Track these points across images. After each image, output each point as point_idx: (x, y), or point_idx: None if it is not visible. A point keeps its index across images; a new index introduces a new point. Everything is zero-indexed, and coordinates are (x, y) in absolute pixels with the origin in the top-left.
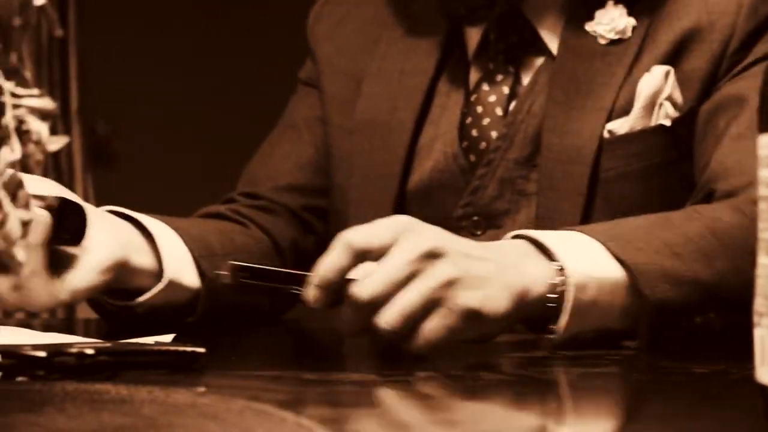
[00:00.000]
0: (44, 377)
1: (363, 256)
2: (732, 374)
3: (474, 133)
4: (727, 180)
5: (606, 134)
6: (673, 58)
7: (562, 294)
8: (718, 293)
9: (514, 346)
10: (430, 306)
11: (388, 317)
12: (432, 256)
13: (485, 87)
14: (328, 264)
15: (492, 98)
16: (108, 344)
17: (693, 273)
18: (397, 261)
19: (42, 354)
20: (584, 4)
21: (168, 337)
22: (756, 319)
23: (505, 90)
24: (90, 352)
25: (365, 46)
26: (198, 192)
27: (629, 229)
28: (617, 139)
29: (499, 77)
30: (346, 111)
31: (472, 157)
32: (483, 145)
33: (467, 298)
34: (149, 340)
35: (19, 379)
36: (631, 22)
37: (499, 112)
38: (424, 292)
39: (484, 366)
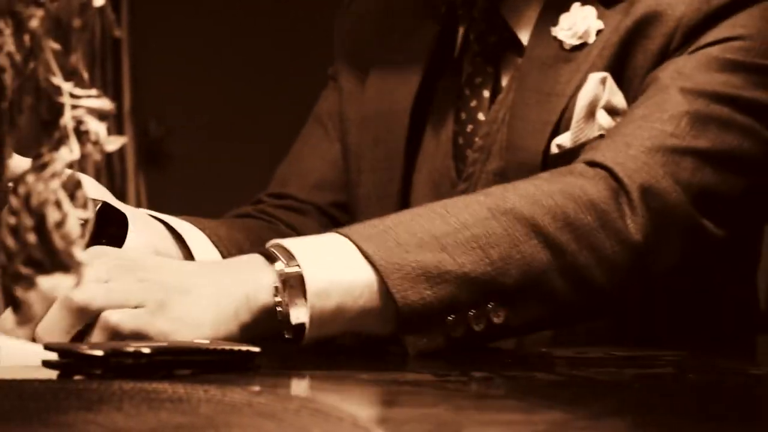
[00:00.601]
0: (101, 376)
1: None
2: None
3: (460, 141)
4: (586, 153)
5: (554, 149)
6: (622, 58)
7: (297, 295)
8: (493, 285)
9: (568, 347)
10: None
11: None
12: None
13: (466, 91)
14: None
15: (473, 103)
16: (164, 344)
17: (459, 267)
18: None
19: (99, 353)
20: (554, 8)
21: None
22: None
23: (486, 94)
24: (146, 351)
25: (375, 43)
26: (249, 193)
27: (396, 223)
28: (564, 154)
29: (478, 80)
30: (357, 105)
31: (461, 166)
32: (467, 152)
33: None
34: (204, 339)
35: (77, 378)
36: (598, 24)
37: (481, 117)
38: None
39: (539, 367)
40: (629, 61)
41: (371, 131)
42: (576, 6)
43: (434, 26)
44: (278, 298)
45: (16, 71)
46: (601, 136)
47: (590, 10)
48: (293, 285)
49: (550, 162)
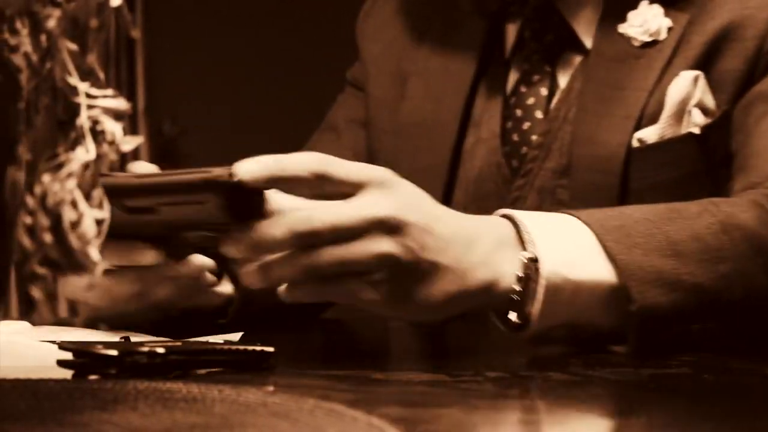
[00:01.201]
0: (116, 376)
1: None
2: None
3: (515, 137)
4: (746, 177)
5: (635, 143)
6: (707, 60)
7: (531, 286)
8: (718, 299)
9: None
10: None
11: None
12: (387, 228)
13: (522, 89)
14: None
15: (531, 101)
16: (178, 344)
17: (692, 277)
18: (347, 216)
19: (114, 353)
20: (619, 5)
21: (236, 336)
22: None
23: (543, 92)
24: (161, 351)
25: (410, 45)
26: None
27: (633, 221)
28: (647, 149)
29: (536, 78)
30: (391, 113)
31: (515, 163)
32: (524, 149)
33: (395, 292)
34: (218, 339)
35: (91, 377)
36: (667, 22)
37: (539, 115)
38: (355, 265)
39: (554, 366)
40: (717, 63)
41: (412, 140)
42: (644, 4)
43: (478, 24)
44: (517, 288)
45: (32, 71)
46: (690, 134)
47: (657, 9)
48: (529, 271)
49: (633, 156)
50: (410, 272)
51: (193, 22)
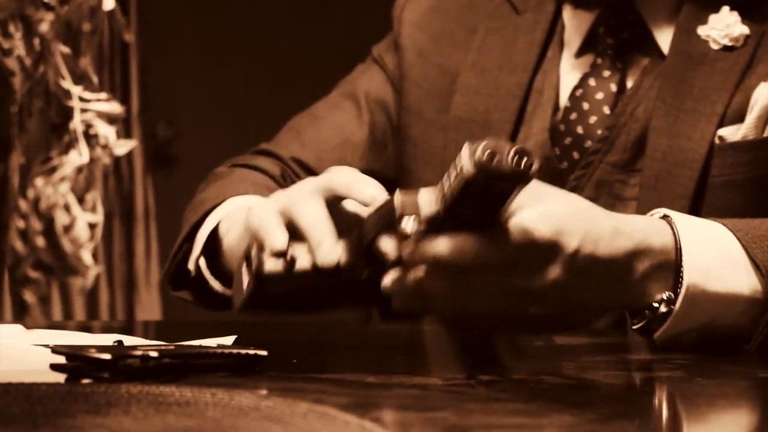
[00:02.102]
0: (109, 379)
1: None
2: None
3: (579, 130)
4: None
5: (716, 140)
6: None
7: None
8: None
9: (576, 350)
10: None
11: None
12: (553, 251)
13: (592, 83)
14: None
15: (599, 95)
16: (171, 347)
17: None
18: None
19: (107, 356)
20: (699, 7)
21: (229, 339)
22: None
23: (613, 87)
24: (154, 354)
25: (461, 37)
26: None
27: None
28: (728, 146)
29: (607, 73)
30: (441, 105)
31: (576, 155)
32: (588, 143)
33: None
34: (211, 342)
35: (84, 381)
36: (745, 30)
37: (606, 110)
38: (504, 299)
39: (546, 370)
40: None
41: (463, 136)
42: (725, 9)
43: (537, 28)
44: (663, 300)
45: (25, 75)
46: None
47: (735, 15)
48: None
49: (716, 152)
50: (573, 290)
51: (188, 25)
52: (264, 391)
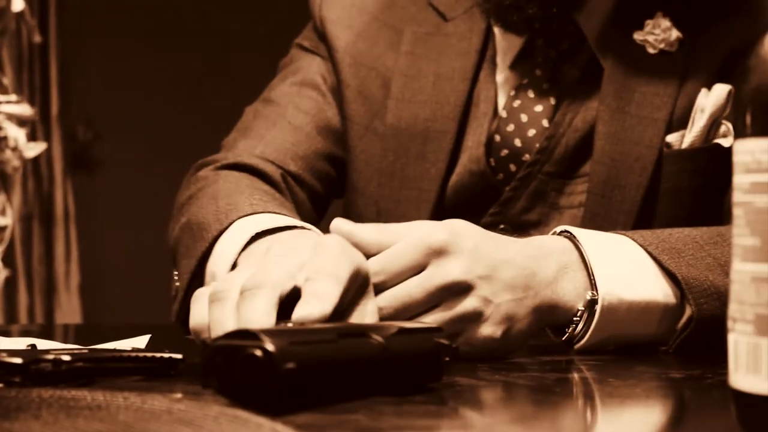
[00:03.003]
0: (20, 384)
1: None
2: (707, 379)
3: (517, 143)
4: None
5: (664, 147)
6: (724, 76)
7: (590, 305)
8: None
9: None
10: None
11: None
12: (458, 289)
13: (530, 94)
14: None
15: (538, 108)
16: (84, 351)
17: None
18: (416, 289)
19: (18, 360)
20: (633, 14)
21: (143, 339)
22: (730, 324)
23: (552, 100)
24: (66, 358)
25: (388, 38)
26: None
27: (682, 243)
28: (675, 153)
29: (545, 86)
30: (375, 110)
31: (513, 167)
32: (526, 156)
33: (487, 333)
34: (126, 345)
35: None
36: (677, 35)
37: (545, 123)
38: (437, 322)
39: (462, 372)
40: (735, 80)
41: (402, 146)
42: (659, 15)
43: (471, 35)
44: (581, 308)
45: None
46: (718, 146)
47: (668, 20)
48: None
49: (664, 158)
50: (490, 325)
51: (109, 27)
52: (178, 395)
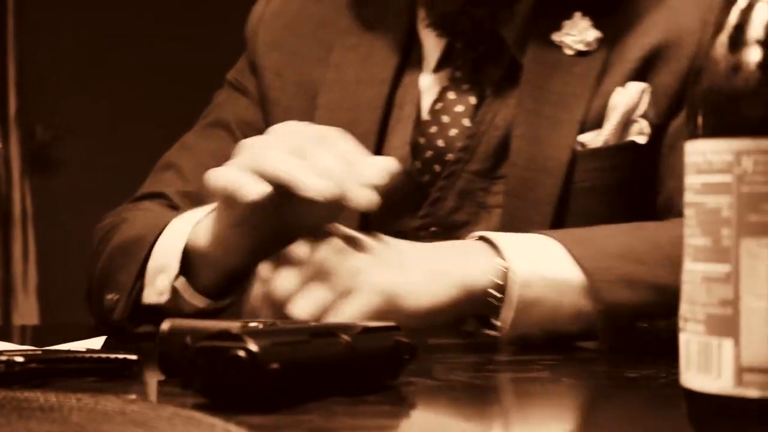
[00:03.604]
0: None
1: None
2: (661, 378)
3: (440, 143)
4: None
5: (578, 146)
6: (642, 73)
7: (506, 293)
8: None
9: (446, 351)
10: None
11: (300, 309)
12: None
13: (451, 96)
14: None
15: (459, 108)
16: (38, 352)
17: (655, 278)
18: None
19: None
20: (551, 15)
21: (99, 341)
22: (681, 324)
23: (472, 100)
24: (19, 359)
25: (318, 55)
26: None
27: (598, 236)
28: (589, 152)
29: (465, 86)
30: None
31: (437, 168)
32: (449, 156)
33: (382, 281)
34: (80, 346)
35: None
36: (597, 34)
37: (466, 122)
38: (334, 282)
39: (417, 372)
40: (653, 78)
41: None
42: (578, 15)
43: (393, 40)
44: (495, 293)
45: None
46: (633, 143)
47: (588, 21)
48: (504, 280)
49: (576, 158)
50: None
51: (68, 27)
52: (132, 396)
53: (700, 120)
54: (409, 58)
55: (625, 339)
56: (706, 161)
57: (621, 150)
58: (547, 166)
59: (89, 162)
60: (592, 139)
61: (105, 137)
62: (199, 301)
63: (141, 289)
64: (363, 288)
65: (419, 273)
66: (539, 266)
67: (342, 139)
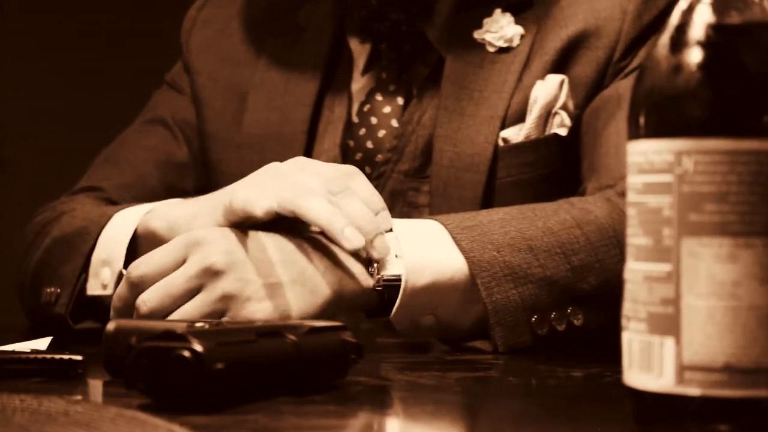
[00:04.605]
0: None
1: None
2: (606, 377)
3: (369, 145)
4: (599, 178)
5: (500, 142)
6: (561, 65)
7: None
8: (571, 289)
9: (395, 350)
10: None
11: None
12: (215, 271)
13: (378, 97)
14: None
15: (387, 109)
16: None
17: (543, 269)
18: (177, 277)
19: None
20: (472, 13)
21: (45, 341)
22: (624, 322)
23: (400, 101)
24: None
25: (249, 57)
26: None
27: (488, 220)
28: (512, 148)
29: (392, 87)
30: (233, 125)
31: (368, 169)
32: (379, 157)
33: (254, 311)
34: (25, 346)
35: None
36: (519, 30)
37: (394, 123)
38: (200, 307)
39: (365, 371)
40: (571, 69)
41: (259, 151)
42: (498, 11)
43: (321, 38)
44: (375, 285)
45: None
46: (556, 135)
47: (509, 17)
48: (388, 261)
49: (498, 154)
50: (250, 304)
51: (16, 24)
52: (77, 397)
53: (642, 120)
54: (340, 60)
55: (519, 336)
56: (648, 161)
57: (543, 143)
58: (470, 163)
59: (39, 161)
60: (514, 134)
61: (54, 136)
62: None
63: (84, 282)
64: (256, 295)
65: (289, 288)
66: (428, 253)
67: (363, 182)
